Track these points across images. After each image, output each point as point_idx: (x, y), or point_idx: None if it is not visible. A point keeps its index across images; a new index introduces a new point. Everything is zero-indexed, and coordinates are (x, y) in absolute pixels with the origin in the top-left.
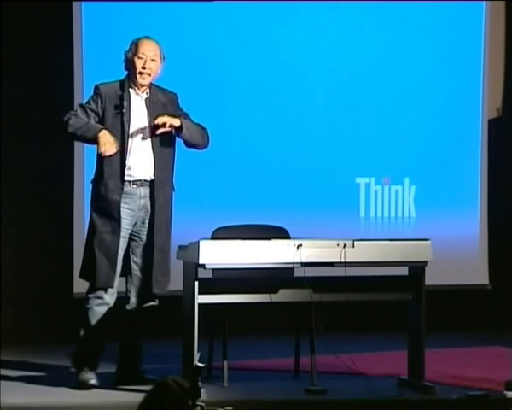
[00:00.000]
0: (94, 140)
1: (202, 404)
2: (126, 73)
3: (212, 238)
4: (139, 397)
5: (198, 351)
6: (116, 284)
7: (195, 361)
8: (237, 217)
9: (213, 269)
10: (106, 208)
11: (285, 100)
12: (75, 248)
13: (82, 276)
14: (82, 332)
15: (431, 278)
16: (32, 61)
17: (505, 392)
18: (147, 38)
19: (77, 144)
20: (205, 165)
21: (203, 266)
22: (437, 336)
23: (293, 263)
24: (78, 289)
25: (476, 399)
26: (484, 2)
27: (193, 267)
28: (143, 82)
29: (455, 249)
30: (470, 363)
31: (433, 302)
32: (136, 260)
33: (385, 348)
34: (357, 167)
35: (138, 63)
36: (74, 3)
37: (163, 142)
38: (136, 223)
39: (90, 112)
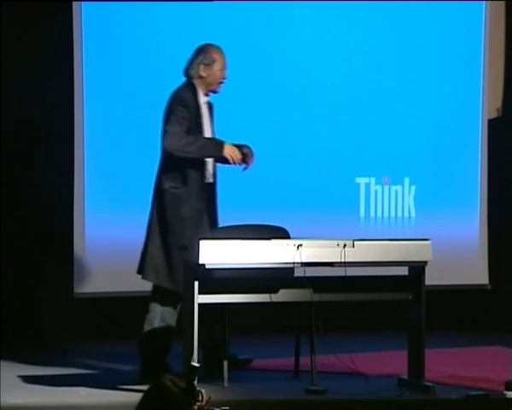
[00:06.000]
0: (220, 158)
1: (202, 404)
2: (189, 78)
3: (212, 238)
4: (139, 397)
5: (198, 351)
6: None
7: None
8: (237, 217)
9: (213, 269)
10: (188, 214)
11: (285, 100)
12: (75, 248)
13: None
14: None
15: (431, 278)
16: (32, 62)
17: (505, 392)
18: (219, 47)
19: (77, 144)
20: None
21: (203, 266)
22: (437, 336)
23: (293, 263)
24: (78, 289)
25: (476, 399)
26: (484, 2)
27: (193, 267)
28: (219, 91)
29: (455, 249)
30: (470, 363)
31: (433, 302)
32: None
33: (385, 348)
34: (357, 167)
35: (221, 74)
36: (74, 3)
37: None
38: None
39: (185, 124)
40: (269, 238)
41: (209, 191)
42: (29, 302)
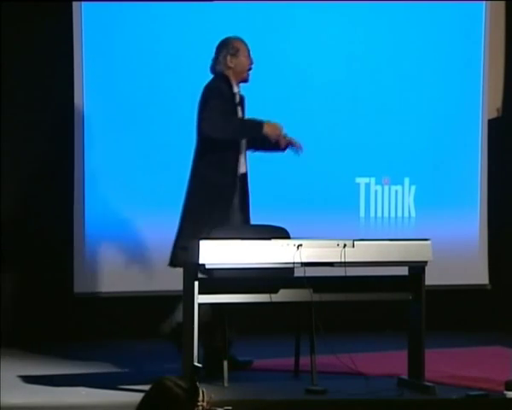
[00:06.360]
0: (262, 136)
1: (203, 404)
2: (218, 72)
3: (212, 238)
4: (139, 397)
5: (198, 352)
6: None
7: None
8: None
9: (213, 269)
10: (222, 204)
11: (285, 100)
12: (75, 248)
13: None
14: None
15: (431, 278)
16: (32, 61)
17: (505, 392)
18: (239, 37)
19: (77, 144)
20: None
21: (203, 266)
22: (437, 336)
23: (293, 263)
24: (78, 289)
25: (476, 399)
26: (484, 2)
27: (193, 267)
28: (248, 79)
29: (455, 249)
30: (470, 363)
31: (433, 302)
32: None
33: (385, 348)
34: (357, 167)
35: (248, 61)
36: (74, 3)
37: None
38: None
39: (222, 110)
40: (269, 238)
41: (243, 181)
42: (29, 302)
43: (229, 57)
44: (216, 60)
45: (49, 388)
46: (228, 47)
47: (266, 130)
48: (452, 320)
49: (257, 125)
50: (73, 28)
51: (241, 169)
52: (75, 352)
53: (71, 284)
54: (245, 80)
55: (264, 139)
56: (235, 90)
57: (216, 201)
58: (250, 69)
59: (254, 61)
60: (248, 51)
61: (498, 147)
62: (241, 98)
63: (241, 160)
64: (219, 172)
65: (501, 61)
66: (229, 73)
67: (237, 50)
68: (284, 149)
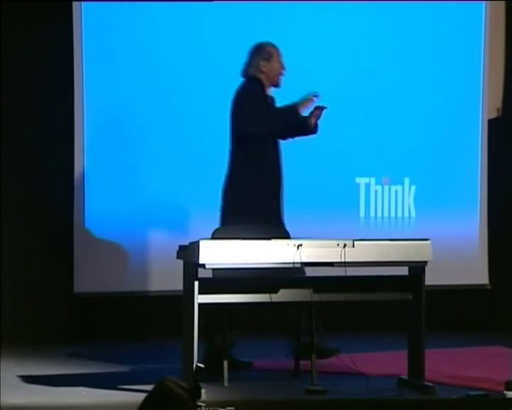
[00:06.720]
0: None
1: (203, 404)
2: (251, 76)
3: (212, 238)
4: (139, 397)
5: (198, 352)
6: None
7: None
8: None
9: (213, 269)
10: (259, 207)
11: (285, 100)
12: (75, 248)
13: None
14: None
15: (431, 278)
16: (32, 61)
17: (505, 392)
18: (271, 42)
19: (77, 144)
20: (205, 165)
21: (203, 266)
22: (437, 336)
23: (294, 263)
24: (79, 289)
25: (476, 399)
26: (484, 2)
27: (193, 267)
28: (280, 83)
29: (455, 249)
30: (470, 363)
31: (433, 302)
32: None
33: (385, 348)
34: (357, 167)
35: (280, 66)
36: (74, 3)
37: None
38: None
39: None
40: (269, 238)
41: (280, 180)
42: (29, 302)
43: (262, 62)
44: (248, 64)
45: (49, 388)
46: (261, 52)
47: (300, 107)
48: (452, 320)
49: (292, 108)
50: (73, 28)
51: (280, 168)
52: (75, 352)
53: (71, 284)
54: (276, 85)
55: (299, 123)
56: (269, 95)
57: (255, 201)
58: (282, 74)
59: None
60: (281, 56)
61: (498, 147)
62: (273, 100)
63: (279, 159)
64: (259, 171)
65: (501, 61)
66: (262, 77)
67: (270, 55)
68: (315, 130)
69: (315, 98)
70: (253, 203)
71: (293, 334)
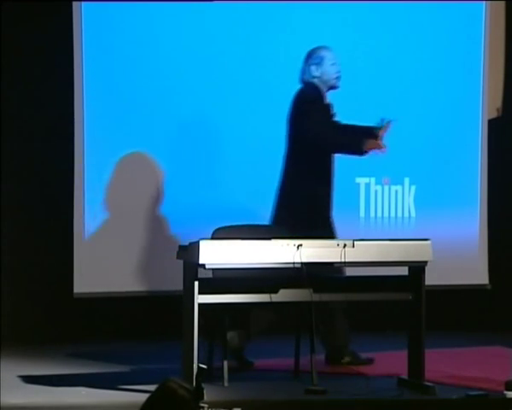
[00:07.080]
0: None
1: (206, 405)
2: (307, 82)
3: (212, 238)
4: (139, 397)
5: (198, 351)
6: None
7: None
8: (237, 217)
9: (213, 269)
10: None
11: (285, 100)
12: (75, 248)
13: None
14: None
15: (431, 278)
16: (32, 61)
17: (505, 392)
18: (324, 46)
19: (77, 144)
20: (205, 164)
21: (203, 266)
22: (437, 336)
23: (294, 263)
24: (78, 289)
25: (476, 399)
26: (484, 2)
27: (193, 267)
28: (338, 85)
29: (455, 249)
30: (470, 363)
31: (433, 302)
32: None
33: (385, 348)
34: (357, 167)
35: (334, 68)
36: (74, 3)
37: None
38: None
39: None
40: (269, 238)
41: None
42: (29, 302)
43: (313, 67)
44: (303, 70)
45: (49, 388)
46: (312, 57)
47: (380, 132)
48: (452, 320)
49: (360, 143)
50: (73, 28)
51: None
52: (75, 352)
53: (71, 284)
54: (334, 87)
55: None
56: (326, 100)
57: (312, 211)
58: (337, 77)
59: (254, 61)
60: (334, 58)
61: (498, 147)
62: (332, 106)
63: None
64: (318, 181)
65: (501, 61)
66: (317, 82)
67: (321, 59)
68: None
69: (391, 123)
70: (316, 218)
71: (325, 337)
